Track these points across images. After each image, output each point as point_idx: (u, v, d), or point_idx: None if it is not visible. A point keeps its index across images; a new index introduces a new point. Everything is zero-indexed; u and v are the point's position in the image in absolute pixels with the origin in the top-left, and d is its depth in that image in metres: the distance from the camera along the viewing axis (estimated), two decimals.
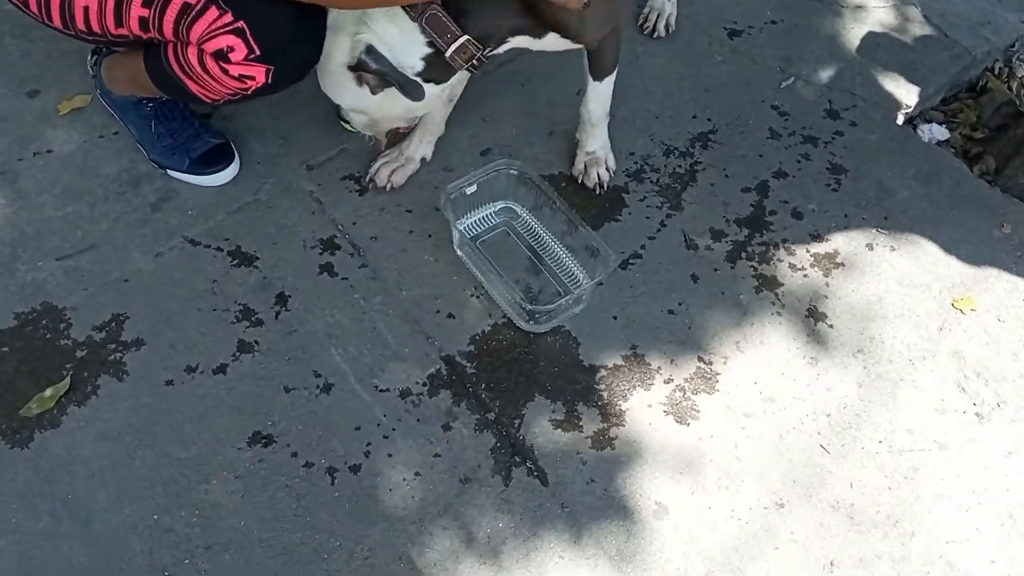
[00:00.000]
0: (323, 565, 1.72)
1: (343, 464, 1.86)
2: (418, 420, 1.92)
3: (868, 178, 2.34)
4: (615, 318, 2.08)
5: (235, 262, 2.13)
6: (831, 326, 2.09)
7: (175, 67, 1.86)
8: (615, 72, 2.11)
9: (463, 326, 2.05)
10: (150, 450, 1.84)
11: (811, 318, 2.09)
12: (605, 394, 1.97)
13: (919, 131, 2.50)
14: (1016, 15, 2.75)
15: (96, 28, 1.81)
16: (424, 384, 1.97)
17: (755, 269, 2.17)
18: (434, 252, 2.17)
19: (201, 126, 2.25)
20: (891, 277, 2.16)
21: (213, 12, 1.70)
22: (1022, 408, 1.98)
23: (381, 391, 1.96)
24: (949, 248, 2.23)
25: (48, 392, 1.90)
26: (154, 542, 1.73)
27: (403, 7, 1.73)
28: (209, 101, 1.90)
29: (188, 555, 1.72)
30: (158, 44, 1.88)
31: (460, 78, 1.94)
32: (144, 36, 1.84)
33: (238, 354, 1.98)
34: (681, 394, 1.98)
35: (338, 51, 1.81)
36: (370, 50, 1.77)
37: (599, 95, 2.13)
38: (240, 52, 1.74)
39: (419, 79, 1.81)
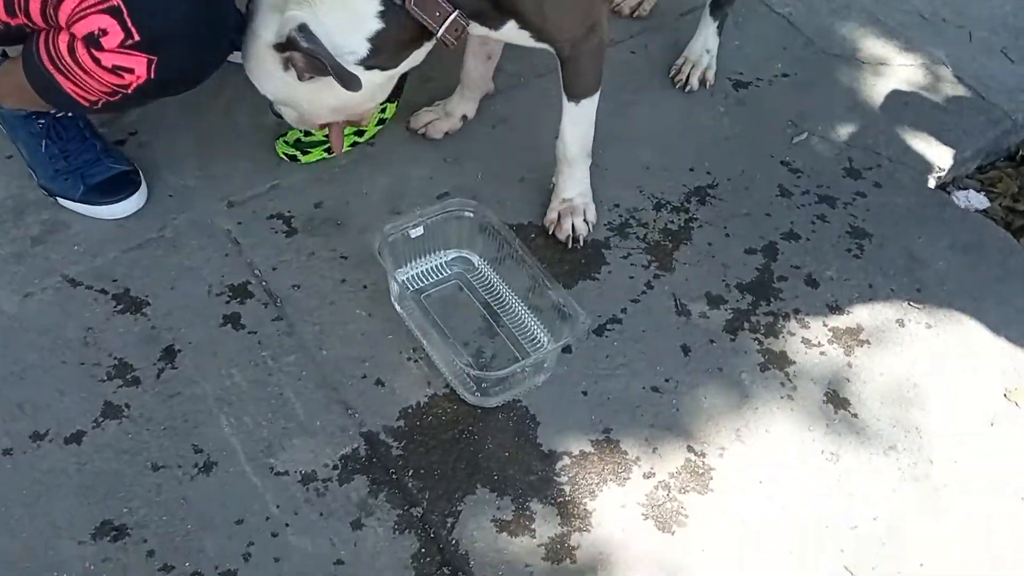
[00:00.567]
0: None
1: (213, 570, 1.37)
2: (321, 514, 1.45)
3: (896, 245, 1.93)
4: (584, 394, 1.62)
5: (119, 308, 1.70)
6: (855, 415, 1.63)
7: (44, 58, 1.50)
8: (596, 95, 1.74)
9: (393, 396, 1.60)
10: None
11: (830, 404, 1.64)
12: (567, 489, 1.49)
13: (954, 197, 2.09)
14: None
15: None
16: (334, 467, 1.50)
17: (760, 343, 1.72)
18: (368, 306, 1.74)
19: (104, 150, 1.88)
20: (927, 359, 1.72)
21: None
22: None
23: (277, 474, 1.49)
24: (998, 328, 1.79)
25: None
26: None
27: None
28: (87, 104, 1.53)
29: None
30: (32, 34, 1.51)
31: (412, 62, 1.61)
32: (12, 23, 1.47)
33: (101, 420, 1.53)
34: (665, 493, 1.50)
35: (264, 28, 1.51)
36: (302, 28, 1.45)
37: (575, 122, 1.74)
38: (115, 37, 1.39)
39: (360, 67, 1.50)
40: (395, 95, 1.93)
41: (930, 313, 1.84)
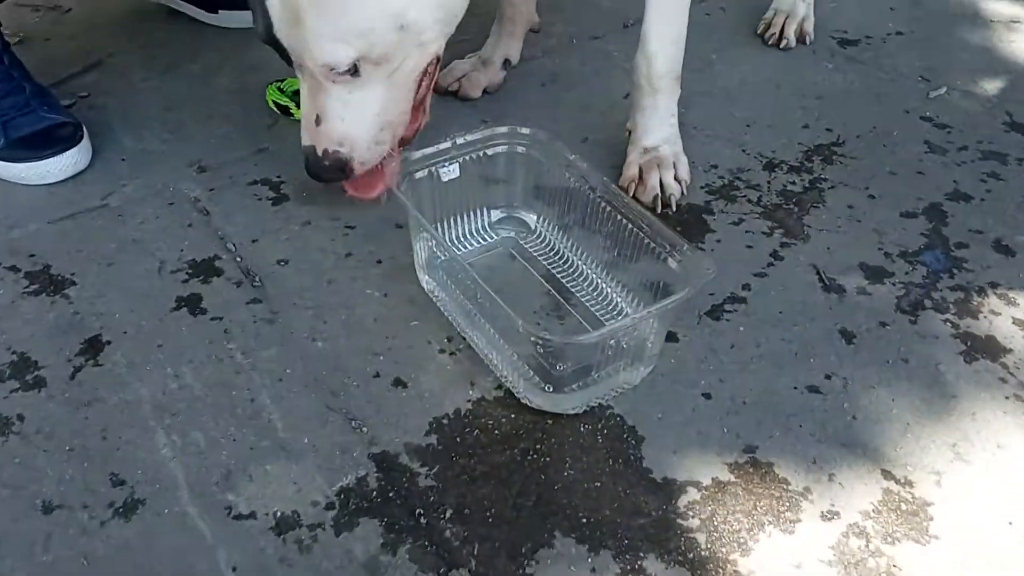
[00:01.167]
0: None
1: None
2: None
3: None
4: (707, 396, 1.00)
5: (30, 288, 1.12)
6: None
7: None
8: None
9: (420, 401, 0.99)
10: None
11: None
12: (701, 539, 0.87)
13: None
14: None
15: None
16: (328, 505, 0.89)
17: (954, 326, 1.11)
18: (383, 284, 1.14)
19: (37, 94, 1.35)
20: None
21: None
22: None
23: (238, 517, 0.88)
24: None
25: None
26: None
27: None
28: None
29: None
30: None
31: None
32: None
33: None
34: (863, 543, 0.88)
35: None
36: None
37: (666, 19, 1.22)
38: None
39: None
40: None
41: None
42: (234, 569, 0.88)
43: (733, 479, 0.97)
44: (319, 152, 1.06)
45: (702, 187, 1.40)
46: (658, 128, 1.34)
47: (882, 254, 1.28)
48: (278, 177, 1.39)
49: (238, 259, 1.24)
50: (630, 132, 1.39)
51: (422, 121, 1.14)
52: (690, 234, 1.30)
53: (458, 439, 1.00)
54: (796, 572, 0.88)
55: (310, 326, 1.14)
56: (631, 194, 1.33)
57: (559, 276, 1.20)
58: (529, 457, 0.99)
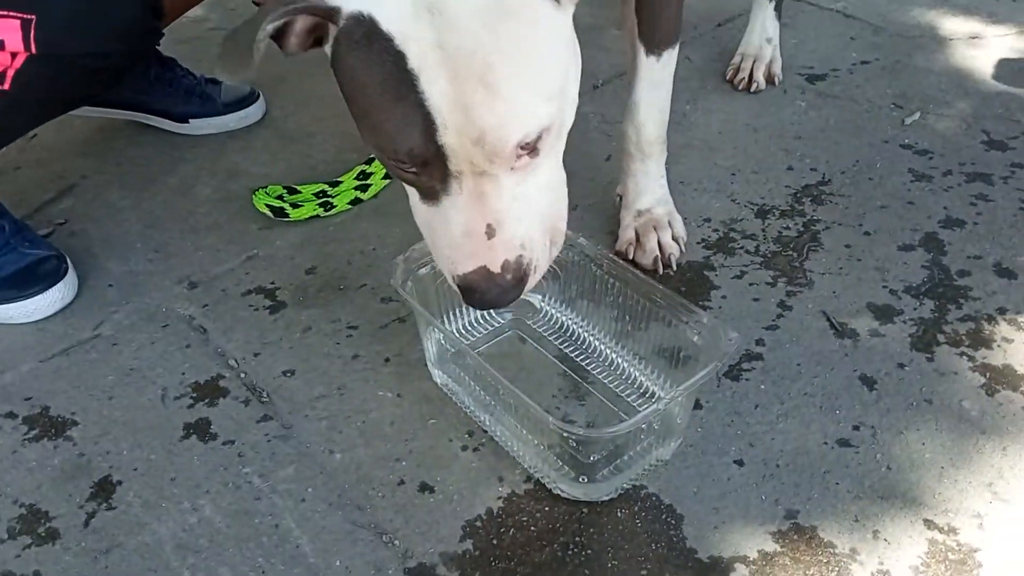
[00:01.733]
0: None
1: None
2: None
3: None
4: (739, 463, 1.00)
5: (34, 434, 1.11)
6: None
7: None
8: (676, 50, 1.20)
9: (449, 505, 0.97)
10: None
11: None
12: None
13: None
14: None
15: None
16: None
17: (971, 358, 1.12)
18: (395, 384, 1.14)
19: (16, 231, 1.34)
20: None
21: None
22: None
23: None
24: None
25: None
26: None
27: None
28: None
29: None
30: None
31: None
32: None
33: None
34: None
35: None
36: None
37: (655, 85, 1.23)
38: None
39: None
40: None
41: None
42: None
43: (779, 549, 0.96)
44: (496, 269, 0.86)
45: (699, 242, 1.41)
46: (650, 190, 1.36)
47: (887, 292, 1.30)
48: (272, 283, 1.39)
49: (242, 375, 1.23)
50: (621, 197, 1.40)
51: None
52: (695, 293, 1.31)
53: (494, 541, 0.99)
54: None
55: (326, 438, 1.13)
56: (630, 257, 1.34)
57: (571, 354, 1.20)
58: (570, 551, 0.97)
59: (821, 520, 0.99)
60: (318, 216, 1.48)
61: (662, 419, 0.99)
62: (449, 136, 0.82)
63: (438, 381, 1.16)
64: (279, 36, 0.85)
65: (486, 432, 1.10)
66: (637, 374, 1.14)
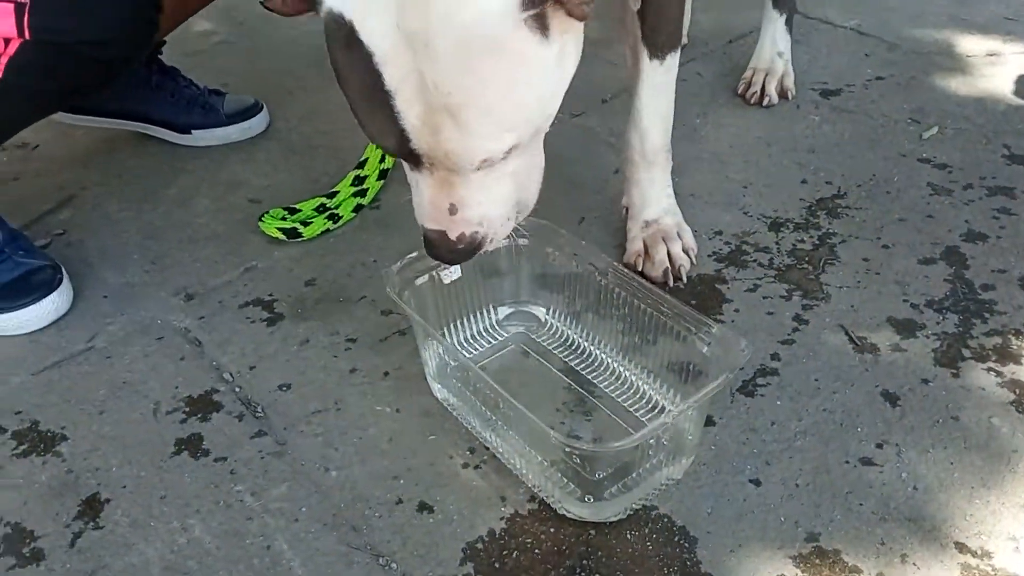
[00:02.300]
0: None
1: None
2: None
3: None
4: (756, 483, 0.94)
5: (20, 449, 1.06)
6: None
7: None
8: (678, 54, 1.16)
9: (449, 526, 0.92)
10: None
11: None
12: None
13: None
14: None
15: None
16: None
17: (999, 374, 1.06)
18: (393, 399, 1.09)
19: (9, 240, 1.29)
20: None
21: None
22: None
23: None
24: None
25: None
26: None
27: None
28: None
29: None
30: None
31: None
32: None
33: None
34: None
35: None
36: None
37: (658, 91, 1.19)
38: None
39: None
40: None
41: None
42: None
43: (800, 574, 0.90)
44: (452, 237, 0.95)
45: (710, 255, 1.36)
46: (656, 200, 1.31)
47: (908, 306, 1.24)
48: (270, 296, 1.34)
49: (237, 389, 1.18)
50: (627, 208, 1.36)
51: None
52: (706, 306, 1.25)
53: (496, 564, 0.93)
54: None
55: (321, 455, 1.07)
56: (639, 269, 1.29)
57: (577, 368, 1.15)
58: (579, 575, 0.91)
59: (845, 543, 0.92)
60: (328, 230, 1.44)
61: (672, 435, 0.94)
62: (420, 147, 0.88)
63: (438, 396, 1.11)
64: None
65: (488, 449, 1.05)
66: (646, 388, 1.09)
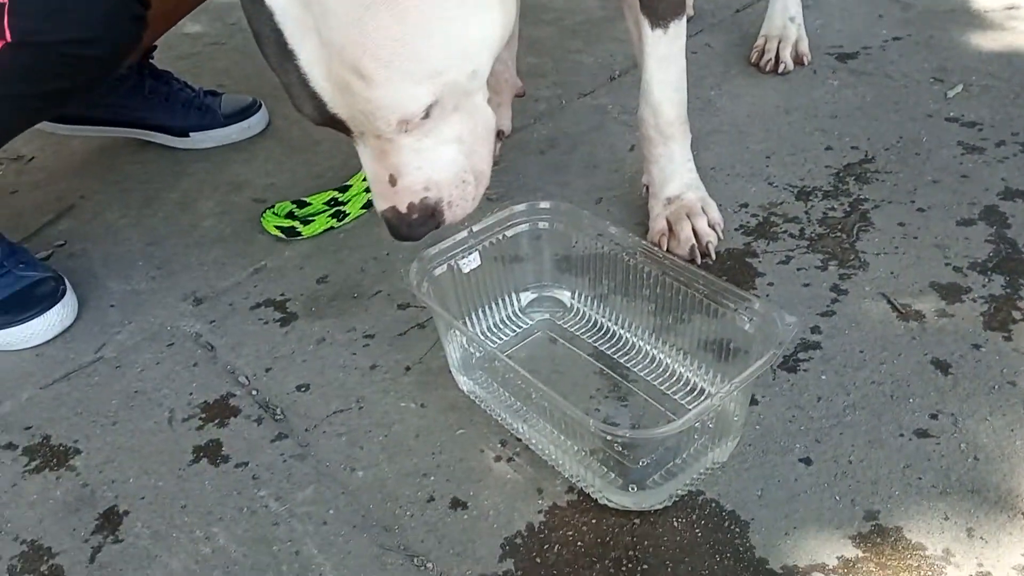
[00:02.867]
0: None
1: None
2: None
3: None
4: (806, 462, 0.89)
5: (33, 465, 1.02)
6: None
7: None
8: (684, 21, 1.11)
9: (485, 522, 0.88)
10: None
11: None
12: None
13: None
14: None
15: None
16: None
17: None
18: (418, 394, 1.04)
19: (9, 254, 1.25)
20: None
21: None
22: None
23: None
24: None
25: None
26: None
27: None
28: None
29: None
30: None
31: None
32: None
33: None
34: None
35: None
36: None
37: (666, 61, 1.14)
38: None
39: None
40: None
41: None
42: None
43: (862, 554, 0.85)
44: (403, 210, 0.96)
45: (737, 229, 1.31)
46: (677, 176, 1.26)
47: (951, 269, 1.19)
48: (282, 295, 1.30)
49: (253, 392, 1.13)
50: (647, 187, 1.31)
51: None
52: (738, 281, 1.21)
53: (538, 559, 0.88)
54: None
55: (346, 455, 1.03)
56: (664, 248, 1.24)
57: (608, 352, 1.10)
58: (624, 568, 0.87)
59: (906, 520, 0.87)
60: (332, 228, 1.39)
61: (717, 417, 0.88)
62: (337, 109, 0.88)
63: (464, 388, 1.06)
64: None
65: (520, 440, 1.00)
66: (682, 370, 1.04)
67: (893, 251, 1.24)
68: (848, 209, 1.33)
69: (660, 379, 1.05)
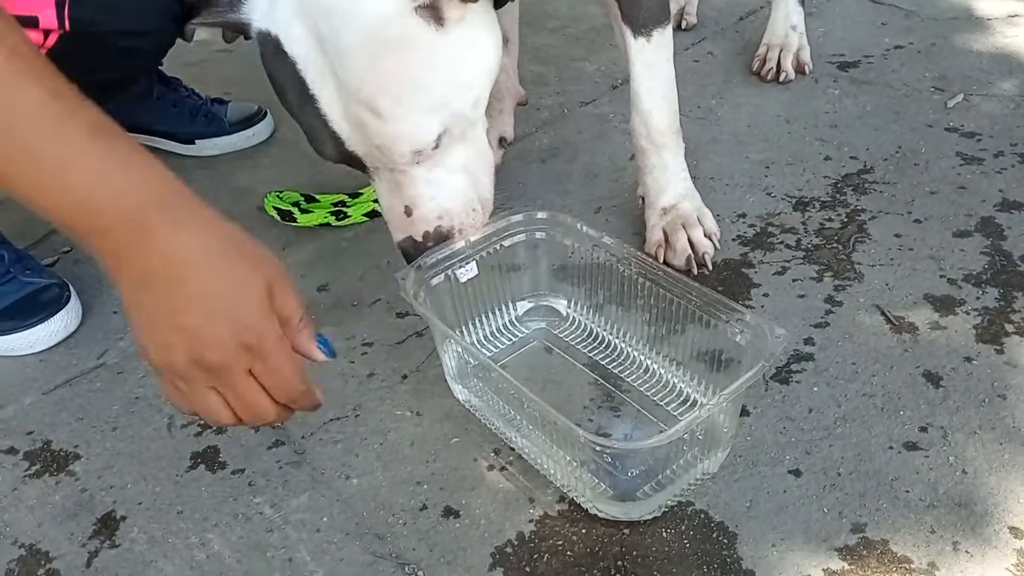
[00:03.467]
0: None
1: None
2: None
3: None
4: (795, 473, 0.90)
5: (33, 470, 1.04)
6: None
7: None
8: (669, 28, 1.12)
9: (477, 530, 0.89)
10: None
11: None
12: None
13: None
14: None
15: None
16: None
17: None
18: (414, 402, 1.06)
19: (16, 260, 1.28)
20: None
21: None
22: None
23: None
24: None
25: None
26: None
27: None
28: None
29: None
30: None
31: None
32: None
33: None
34: None
35: None
36: None
37: (651, 69, 1.16)
38: None
39: None
40: None
41: None
42: None
43: (847, 567, 0.86)
44: (419, 238, 1.03)
45: (734, 239, 1.32)
46: (671, 185, 1.27)
47: (945, 281, 1.20)
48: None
49: None
50: (643, 198, 1.32)
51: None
52: (734, 292, 1.21)
53: (527, 568, 0.90)
54: None
55: (341, 462, 1.04)
56: (661, 259, 1.25)
57: (602, 362, 1.11)
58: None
59: (892, 533, 0.88)
60: (329, 224, 1.41)
61: (707, 428, 0.89)
62: (355, 147, 0.96)
63: (460, 397, 1.08)
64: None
65: (513, 450, 1.01)
66: (675, 381, 1.05)
67: (888, 263, 1.24)
68: (845, 220, 1.34)
69: (654, 389, 1.06)
